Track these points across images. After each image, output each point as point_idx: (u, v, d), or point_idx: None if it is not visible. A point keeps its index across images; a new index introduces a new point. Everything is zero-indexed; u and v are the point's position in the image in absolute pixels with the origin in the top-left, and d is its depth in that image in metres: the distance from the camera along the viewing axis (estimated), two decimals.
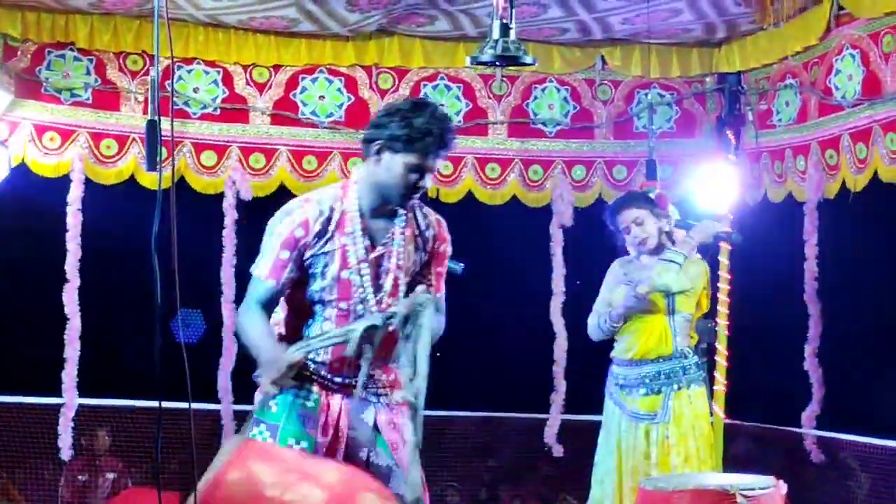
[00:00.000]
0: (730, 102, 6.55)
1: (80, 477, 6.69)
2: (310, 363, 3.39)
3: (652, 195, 5.16)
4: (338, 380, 3.41)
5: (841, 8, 5.63)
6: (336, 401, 3.40)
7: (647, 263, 5.05)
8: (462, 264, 4.55)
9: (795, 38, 5.96)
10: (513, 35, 3.54)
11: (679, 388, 4.99)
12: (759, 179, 6.45)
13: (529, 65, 3.76)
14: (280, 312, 3.52)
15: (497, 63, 3.66)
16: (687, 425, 4.98)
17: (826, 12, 5.71)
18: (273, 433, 3.35)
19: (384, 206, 3.41)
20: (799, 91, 6.10)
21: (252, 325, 3.38)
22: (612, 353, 5.13)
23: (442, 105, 6.61)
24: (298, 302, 3.44)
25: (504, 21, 3.53)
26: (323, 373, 3.40)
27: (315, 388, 3.40)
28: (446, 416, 6.91)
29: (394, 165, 3.33)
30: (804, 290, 6.08)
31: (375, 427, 3.43)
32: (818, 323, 6.11)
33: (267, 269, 3.36)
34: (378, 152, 3.34)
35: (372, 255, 3.39)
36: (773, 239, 6.23)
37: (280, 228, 3.37)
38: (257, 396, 3.46)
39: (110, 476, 6.75)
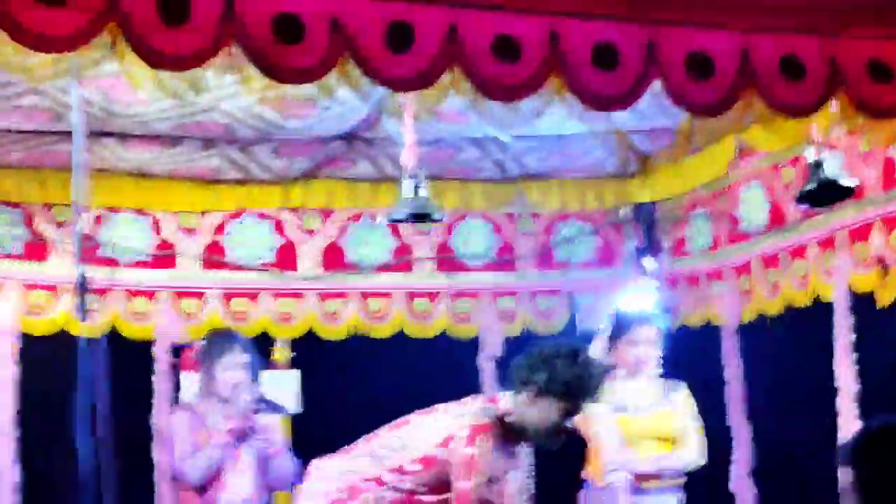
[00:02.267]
0: (646, 231, 6.80)
1: None
2: None
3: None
4: None
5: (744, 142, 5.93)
6: None
7: (637, 388, 4.99)
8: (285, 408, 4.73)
9: (703, 171, 6.25)
10: (423, 193, 3.73)
11: None
12: (678, 305, 6.65)
13: (440, 220, 3.96)
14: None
15: (410, 220, 3.86)
16: None
17: (730, 146, 6.00)
18: None
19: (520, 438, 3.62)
20: (709, 220, 6.35)
21: None
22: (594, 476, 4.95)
23: (368, 244, 6.80)
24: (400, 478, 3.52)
25: (414, 181, 3.72)
26: None
27: None
28: None
29: (551, 411, 3.57)
30: (726, 414, 6.22)
31: None
32: (748, 445, 6.21)
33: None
34: (536, 395, 3.50)
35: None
36: (693, 364, 6.39)
37: (482, 467, 3.50)
38: None
39: None
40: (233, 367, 4.83)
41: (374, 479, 3.51)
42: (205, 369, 4.88)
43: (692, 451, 5.04)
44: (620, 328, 5.09)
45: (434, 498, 3.49)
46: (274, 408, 4.80)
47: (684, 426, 5.03)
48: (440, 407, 3.65)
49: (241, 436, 4.77)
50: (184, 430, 4.81)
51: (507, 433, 3.56)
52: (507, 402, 3.58)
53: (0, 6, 2.90)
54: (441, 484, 3.49)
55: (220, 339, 4.97)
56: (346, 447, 3.73)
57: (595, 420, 4.89)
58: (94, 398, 3.53)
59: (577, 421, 4.83)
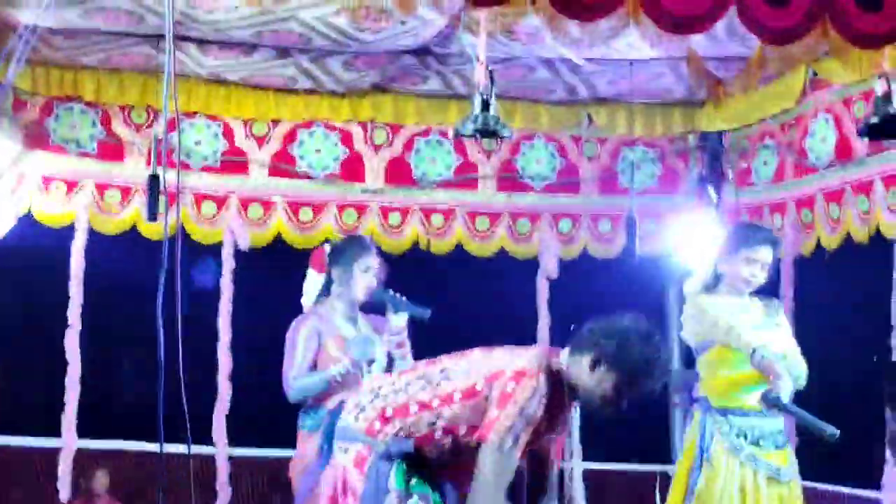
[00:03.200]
0: (711, 160, 6.81)
1: None
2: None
3: None
4: None
5: (816, 73, 5.90)
6: None
7: (742, 305, 4.83)
8: (428, 310, 4.79)
9: (773, 101, 6.22)
10: (493, 110, 3.79)
11: (789, 442, 4.89)
12: None
13: (508, 137, 4.01)
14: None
15: (477, 136, 3.91)
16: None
17: (802, 77, 5.97)
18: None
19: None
20: (776, 151, 6.35)
21: None
22: (734, 404, 4.81)
23: (433, 160, 6.88)
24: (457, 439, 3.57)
25: (484, 97, 3.77)
26: None
27: None
28: None
29: (605, 382, 3.46)
30: None
31: None
32: None
33: (520, 451, 3.46)
34: (596, 363, 3.46)
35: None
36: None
37: (521, 405, 3.43)
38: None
39: None
40: (368, 269, 4.93)
41: (424, 404, 3.57)
42: (341, 270, 4.97)
43: (804, 367, 4.95)
44: (741, 241, 4.85)
45: (472, 437, 3.56)
46: (409, 308, 4.86)
47: (791, 343, 4.85)
48: (501, 349, 3.68)
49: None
50: (303, 344, 4.89)
51: (558, 388, 3.56)
52: (566, 359, 3.58)
53: None
54: (480, 421, 3.54)
55: (356, 242, 5.07)
56: (405, 368, 3.83)
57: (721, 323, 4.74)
58: (171, 294, 3.66)
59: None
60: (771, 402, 4.46)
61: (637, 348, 3.42)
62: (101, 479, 6.84)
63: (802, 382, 4.85)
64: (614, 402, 3.47)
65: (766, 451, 4.75)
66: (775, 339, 4.77)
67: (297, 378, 4.83)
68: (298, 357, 4.84)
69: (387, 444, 3.55)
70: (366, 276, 4.94)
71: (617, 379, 3.44)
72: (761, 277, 4.80)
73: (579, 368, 3.49)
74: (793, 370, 4.69)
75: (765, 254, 4.78)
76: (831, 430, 4.07)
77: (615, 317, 3.55)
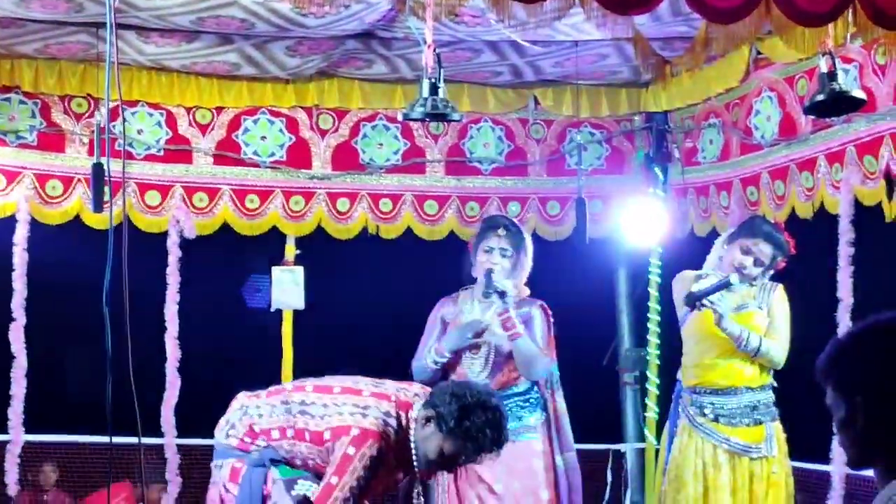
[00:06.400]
0: (657, 140, 6.84)
1: None
2: None
3: None
4: None
5: (759, 52, 5.94)
6: None
7: (728, 293, 4.89)
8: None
9: (717, 80, 6.26)
10: (441, 93, 3.77)
11: (773, 420, 4.90)
12: (686, 214, 6.73)
13: (457, 121, 3.99)
14: None
15: (426, 119, 3.89)
16: (787, 461, 4.91)
17: (746, 56, 6.02)
18: None
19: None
20: (721, 130, 6.39)
21: None
22: (696, 382, 4.93)
23: (380, 145, 6.85)
24: None
25: (432, 80, 3.75)
26: None
27: None
28: None
29: (435, 442, 3.53)
30: None
31: None
32: None
33: None
34: (427, 420, 3.54)
35: None
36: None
37: (358, 472, 3.51)
38: None
39: None
40: (490, 249, 4.75)
41: (283, 432, 3.67)
42: (472, 254, 4.84)
43: (778, 349, 4.89)
44: (743, 230, 4.95)
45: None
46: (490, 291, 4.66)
47: (769, 324, 4.90)
48: (364, 388, 3.68)
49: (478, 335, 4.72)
50: (429, 329, 4.83)
51: (400, 446, 3.57)
52: (414, 413, 3.60)
53: None
54: (323, 466, 3.63)
55: (485, 223, 4.91)
56: (276, 388, 3.91)
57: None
58: (117, 285, 3.61)
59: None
60: (687, 301, 4.77)
61: (479, 420, 3.46)
62: (48, 474, 6.78)
63: (776, 364, 4.90)
64: (440, 462, 3.53)
65: (735, 427, 4.83)
66: (750, 318, 4.83)
67: (415, 360, 4.77)
68: (424, 341, 4.80)
69: (259, 453, 3.64)
70: (485, 256, 4.76)
71: (447, 442, 3.50)
72: (753, 271, 4.86)
73: (420, 424, 3.57)
74: (766, 350, 4.83)
75: (761, 248, 4.85)
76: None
77: (468, 385, 3.66)
